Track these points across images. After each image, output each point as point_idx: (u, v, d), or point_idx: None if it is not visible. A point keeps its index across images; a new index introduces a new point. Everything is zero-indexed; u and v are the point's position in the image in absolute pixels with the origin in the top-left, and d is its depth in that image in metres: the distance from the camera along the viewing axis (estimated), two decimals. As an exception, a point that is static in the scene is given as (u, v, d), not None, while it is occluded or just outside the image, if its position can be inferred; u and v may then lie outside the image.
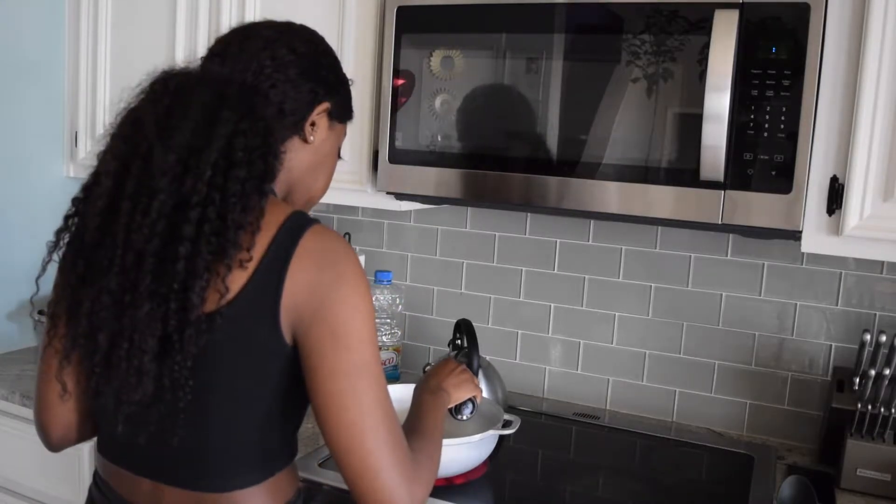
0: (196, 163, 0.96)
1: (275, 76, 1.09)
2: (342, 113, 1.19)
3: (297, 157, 1.13)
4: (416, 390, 1.35)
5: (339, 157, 1.23)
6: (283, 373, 1.02)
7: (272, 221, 1.00)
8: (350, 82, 1.21)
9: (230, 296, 0.97)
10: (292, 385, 1.03)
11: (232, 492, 1.04)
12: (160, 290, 0.95)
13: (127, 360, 0.97)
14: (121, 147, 1.01)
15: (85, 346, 1.01)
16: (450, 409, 1.41)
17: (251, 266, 0.98)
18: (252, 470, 1.05)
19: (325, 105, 1.14)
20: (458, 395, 1.40)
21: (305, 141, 1.13)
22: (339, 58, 1.20)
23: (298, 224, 1.01)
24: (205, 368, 0.98)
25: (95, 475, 1.16)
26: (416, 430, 1.17)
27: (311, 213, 1.11)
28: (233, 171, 0.97)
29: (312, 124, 1.13)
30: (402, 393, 1.48)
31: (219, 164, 0.97)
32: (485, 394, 1.72)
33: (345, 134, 1.23)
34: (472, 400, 1.45)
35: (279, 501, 1.08)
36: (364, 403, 0.98)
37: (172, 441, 1.00)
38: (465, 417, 1.46)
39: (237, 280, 0.97)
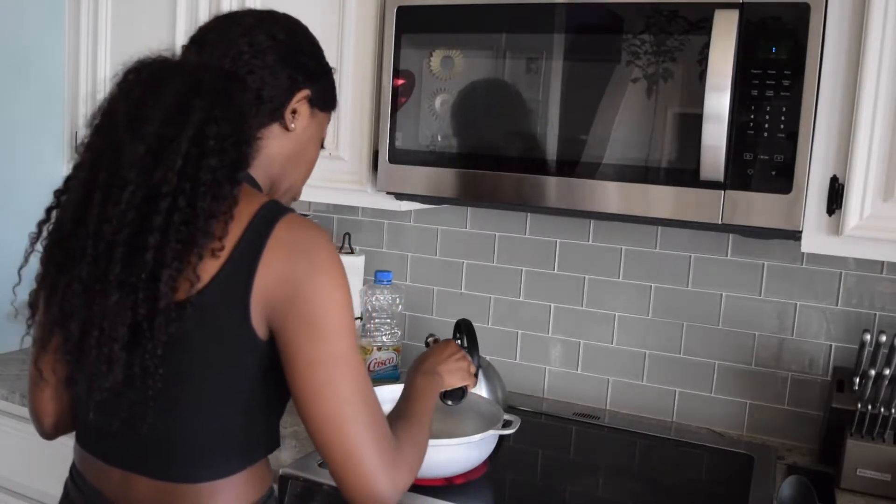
0: (166, 153, 0.96)
1: (252, 62, 1.08)
2: (324, 101, 1.18)
3: (277, 143, 1.12)
4: (410, 369, 1.34)
5: (321, 146, 1.22)
6: (256, 364, 1.01)
7: (246, 210, 0.99)
8: (333, 70, 1.20)
9: (201, 285, 0.97)
10: (268, 376, 1.02)
11: (201, 483, 1.03)
12: (129, 280, 0.95)
13: (97, 347, 0.97)
14: (95, 138, 1.02)
15: (58, 334, 1.02)
16: None
17: (223, 255, 0.97)
18: (224, 462, 1.04)
19: (306, 92, 1.13)
20: (451, 382, 1.38)
21: (286, 128, 1.12)
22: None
23: (272, 213, 1.00)
24: (175, 357, 0.98)
25: (72, 467, 1.15)
26: (404, 413, 1.17)
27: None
28: (204, 161, 0.96)
29: (293, 112, 1.12)
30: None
31: (190, 154, 0.96)
32: (485, 394, 1.72)
33: (328, 122, 1.21)
34: (463, 388, 1.44)
35: (250, 496, 1.06)
36: (343, 393, 0.98)
37: (142, 429, 1.00)
38: (451, 403, 1.44)
39: (209, 269, 0.97)
